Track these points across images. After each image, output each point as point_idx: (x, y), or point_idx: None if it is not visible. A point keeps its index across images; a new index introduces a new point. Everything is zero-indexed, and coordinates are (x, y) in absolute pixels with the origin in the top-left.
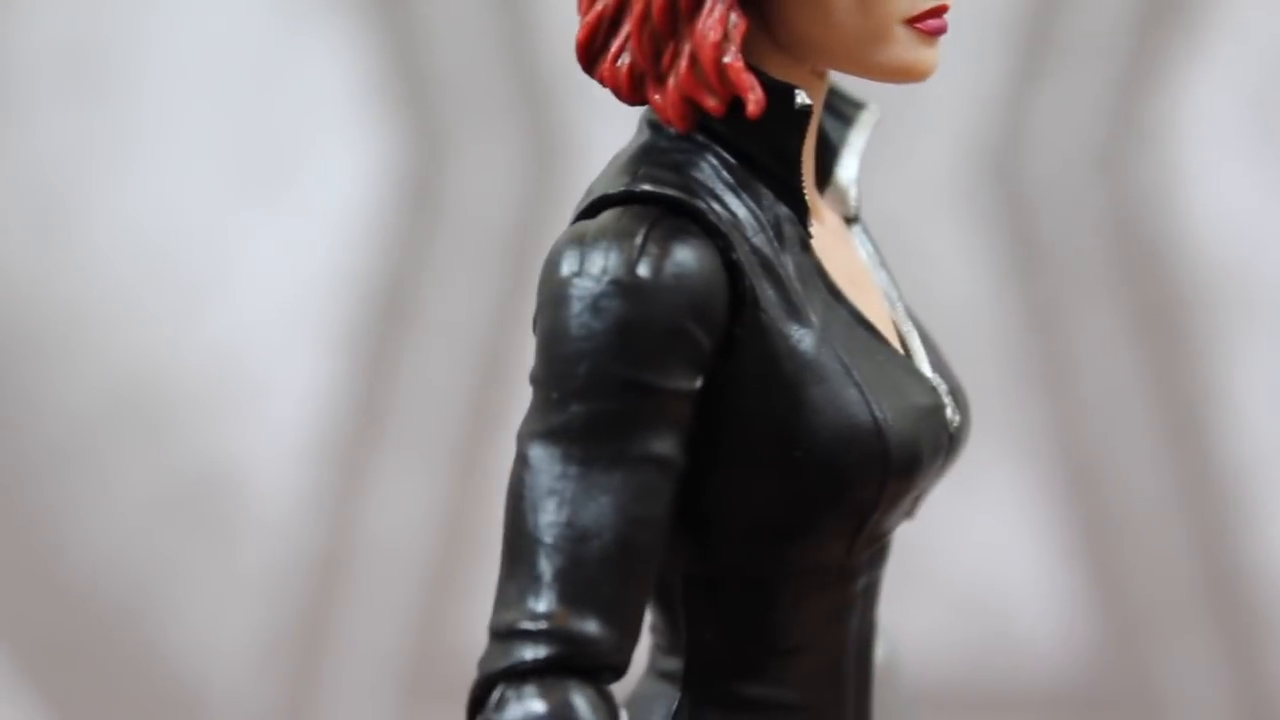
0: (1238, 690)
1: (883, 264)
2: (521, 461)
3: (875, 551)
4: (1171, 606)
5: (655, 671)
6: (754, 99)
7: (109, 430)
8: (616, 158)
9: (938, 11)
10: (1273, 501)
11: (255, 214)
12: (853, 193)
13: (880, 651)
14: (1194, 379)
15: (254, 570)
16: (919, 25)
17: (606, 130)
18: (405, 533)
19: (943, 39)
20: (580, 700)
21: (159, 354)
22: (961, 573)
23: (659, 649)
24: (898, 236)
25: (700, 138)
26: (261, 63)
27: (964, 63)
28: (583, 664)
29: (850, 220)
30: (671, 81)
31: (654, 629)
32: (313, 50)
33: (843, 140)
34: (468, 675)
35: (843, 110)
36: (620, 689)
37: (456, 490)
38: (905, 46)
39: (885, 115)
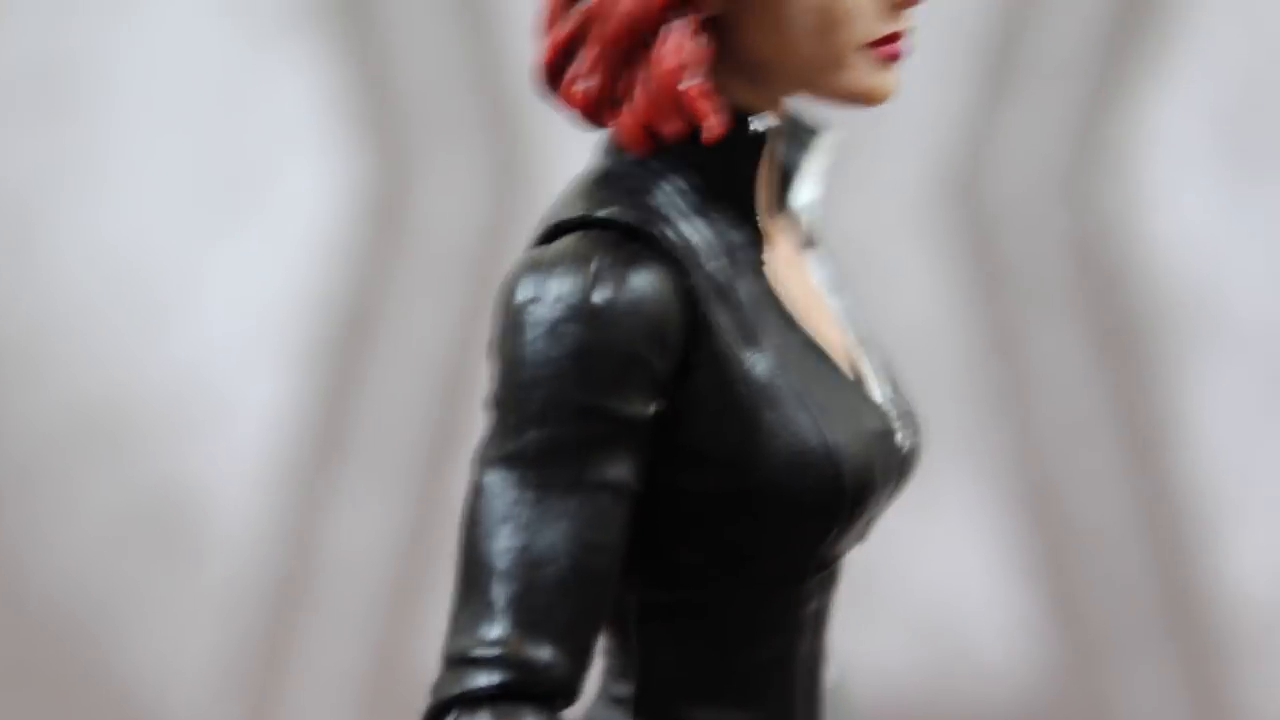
0: (1196, 712)
1: (842, 288)
2: (476, 487)
3: (826, 576)
4: (1130, 628)
5: (607, 696)
6: (711, 125)
7: (71, 449)
8: (573, 182)
9: (896, 37)
10: (1231, 524)
11: (219, 234)
12: (809, 218)
13: (831, 674)
14: (1154, 401)
15: (214, 590)
16: (878, 51)
17: (573, 152)
18: (366, 553)
19: (907, 61)
20: None
21: (122, 373)
22: (919, 595)
23: (611, 673)
24: (861, 258)
25: (657, 163)
26: (227, 83)
27: (928, 84)
28: (536, 690)
29: (807, 245)
30: (629, 106)
31: (606, 653)
32: (279, 71)
33: (800, 165)
34: (423, 699)
35: (801, 135)
36: (571, 714)
37: (418, 511)
38: (864, 72)
39: (849, 137)
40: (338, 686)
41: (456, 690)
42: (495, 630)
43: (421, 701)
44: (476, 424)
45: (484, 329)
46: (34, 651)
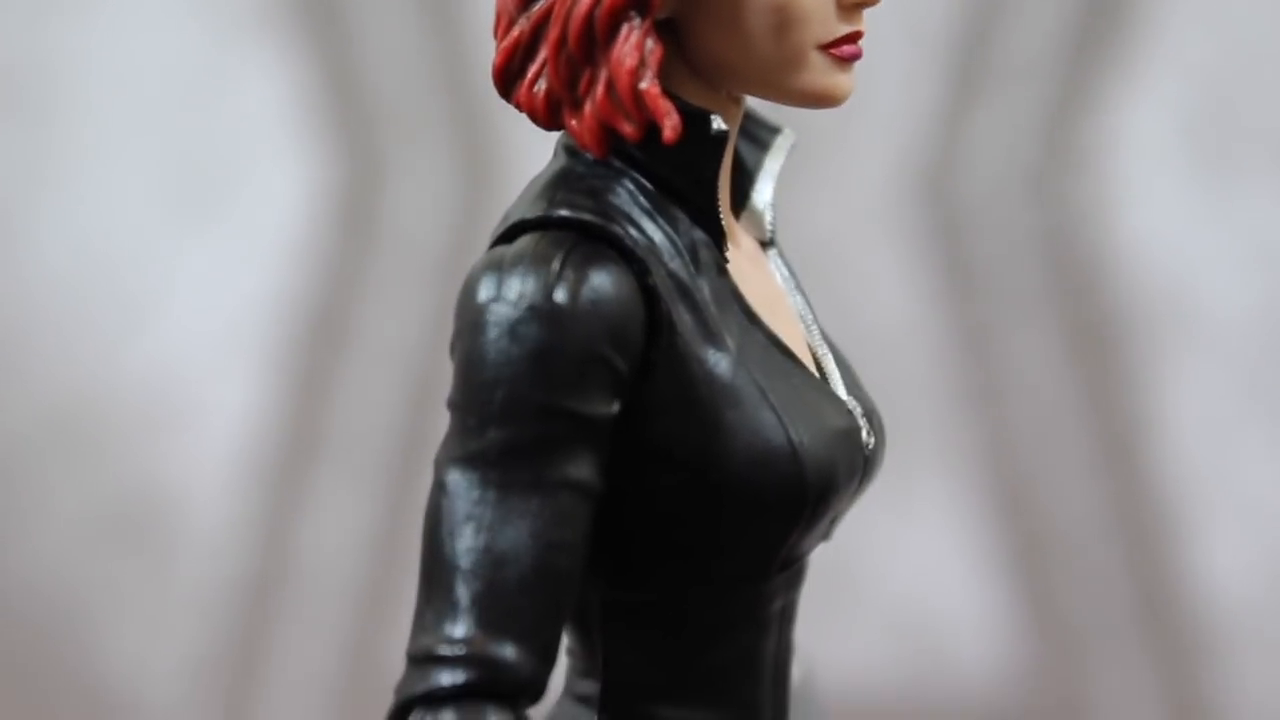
0: (1170, 708)
1: (799, 288)
2: (439, 487)
3: (791, 573)
4: (1105, 625)
5: (571, 694)
6: (670, 125)
7: (45, 449)
8: (533, 183)
9: (853, 38)
10: (1205, 520)
11: (191, 234)
12: (768, 217)
13: (796, 672)
14: (1127, 399)
15: (188, 590)
16: (834, 51)
17: (541, 152)
18: (339, 552)
19: (878, 61)
20: None
21: (96, 373)
22: (894, 592)
23: (575, 672)
24: (832, 257)
25: (617, 163)
26: (198, 84)
27: (898, 85)
28: (500, 689)
29: (765, 245)
30: (588, 107)
31: (570, 652)
32: (248, 71)
33: (759, 164)
34: None
35: (758, 135)
36: (536, 712)
37: (389, 511)
38: (820, 73)
39: (819, 137)
40: (311, 684)
41: (420, 689)
42: (459, 629)
43: (390, 700)
44: (447, 423)
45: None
46: (8, 648)
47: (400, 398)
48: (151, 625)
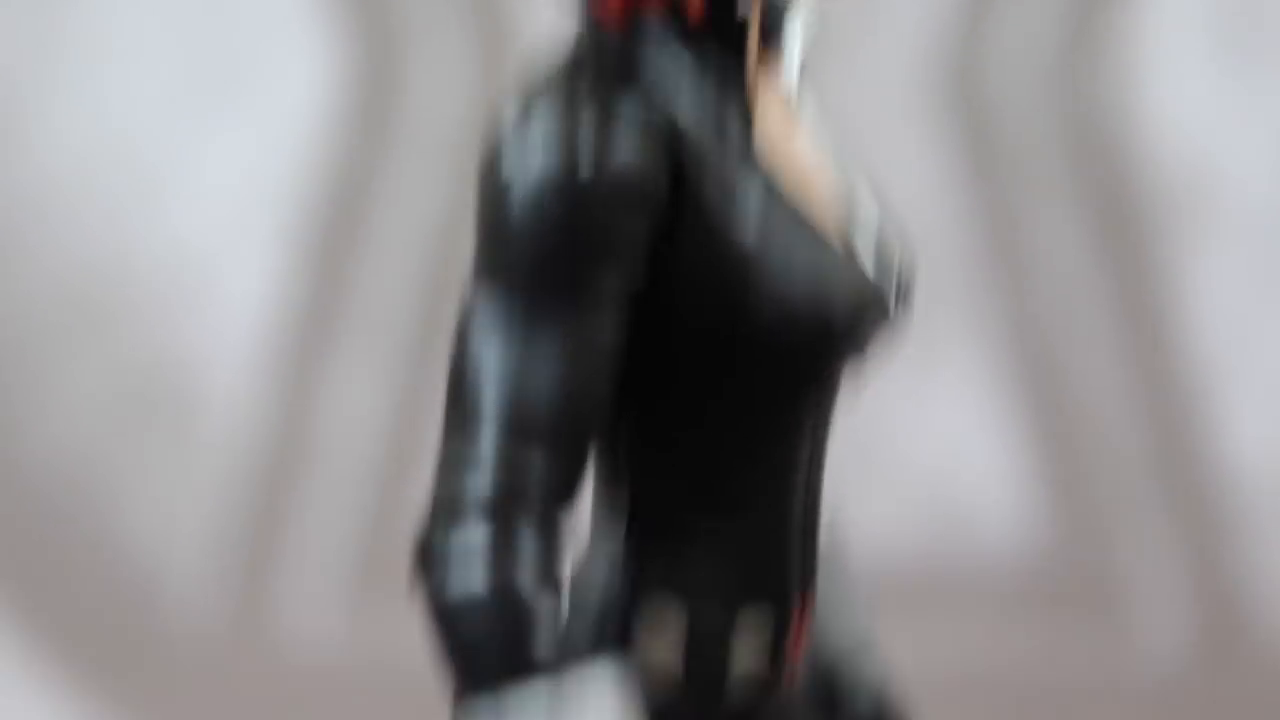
0: (1197, 581)
1: (829, 148)
2: (467, 313)
3: (819, 424)
4: (1130, 498)
5: (599, 531)
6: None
7: (62, 327)
8: (553, 56)
9: None
10: (1231, 393)
11: (210, 112)
12: (796, 87)
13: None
14: (1152, 279)
15: (207, 465)
16: None
17: (562, 30)
18: (357, 427)
19: None
20: (524, 540)
21: (113, 251)
22: (918, 465)
23: (602, 509)
24: (856, 144)
25: (640, 36)
26: None
27: None
28: (527, 501)
29: (795, 116)
30: None
31: (598, 474)
32: None
33: (787, 36)
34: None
35: (786, 5)
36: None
37: (407, 385)
38: None
39: (844, 24)
40: (331, 558)
41: (447, 502)
42: (487, 444)
43: (415, 578)
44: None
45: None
46: (30, 526)
47: (419, 271)
48: (171, 500)
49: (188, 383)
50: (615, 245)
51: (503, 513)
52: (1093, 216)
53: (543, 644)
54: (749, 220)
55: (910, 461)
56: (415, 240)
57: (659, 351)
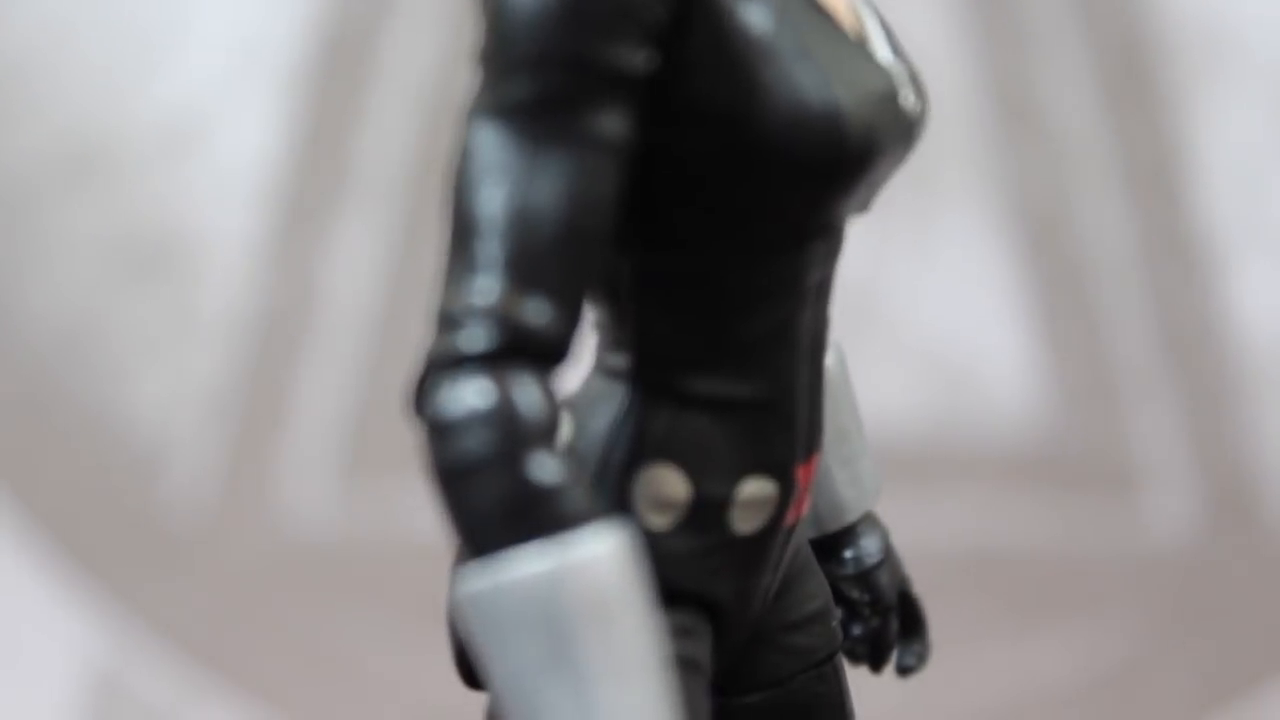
0: (1200, 447)
1: None
2: (466, 143)
3: (829, 244)
4: (1134, 364)
5: (602, 368)
6: None
7: (60, 182)
8: None
9: None
10: (1238, 257)
11: None
12: None
13: (830, 358)
14: (1163, 134)
15: (205, 322)
16: None
17: None
18: (356, 290)
19: None
20: (525, 389)
21: (112, 105)
22: (923, 332)
23: (605, 345)
24: None
25: None
26: None
27: None
28: (528, 350)
29: None
30: None
31: (600, 325)
32: None
33: None
34: (415, 433)
35: None
36: (565, 387)
37: (407, 240)
38: None
39: None
40: (330, 414)
41: (447, 351)
42: (486, 288)
43: (410, 433)
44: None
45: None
46: (25, 382)
47: (417, 125)
48: (169, 357)
49: (186, 238)
50: (625, 22)
51: (503, 371)
52: (1102, 65)
53: (544, 502)
54: (764, 3)
55: (913, 329)
56: (413, 94)
57: (665, 170)
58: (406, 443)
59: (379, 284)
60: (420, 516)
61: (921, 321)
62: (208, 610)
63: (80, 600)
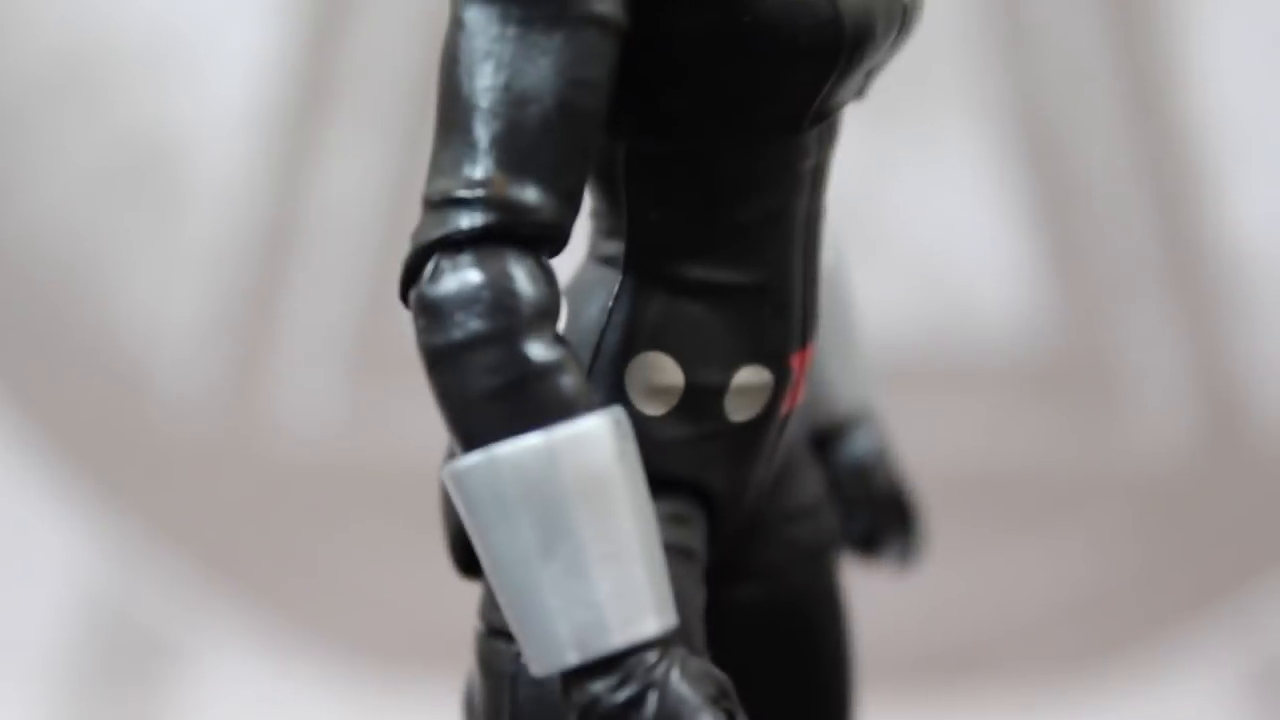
0: (1196, 360)
1: None
2: (456, 24)
3: (824, 130)
4: (1131, 277)
5: (596, 256)
6: None
7: (51, 96)
8: None
9: None
10: (1234, 171)
11: None
12: None
13: (828, 255)
14: (1158, 49)
15: (199, 239)
16: None
17: None
18: (352, 201)
19: None
20: (518, 270)
21: (103, 18)
22: (919, 245)
23: (600, 233)
24: None
25: None
26: None
27: None
28: (521, 232)
29: None
30: None
31: (595, 213)
32: None
33: None
34: (414, 344)
35: None
36: (560, 273)
37: (402, 155)
38: None
39: None
40: (323, 334)
41: (439, 233)
42: (478, 170)
43: (407, 348)
44: None
45: None
46: (16, 300)
47: (413, 37)
48: (162, 275)
49: (179, 154)
50: None
51: (496, 253)
52: None
53: (541, 380)
54: None
55: (909, 243)
56: (411, 8)
57: (658, 52)
58: (406, 353)
59: (377, 194)
60: (421, 427)
61: (921, 237)
62: (207, 521)
63: (77, 513)
